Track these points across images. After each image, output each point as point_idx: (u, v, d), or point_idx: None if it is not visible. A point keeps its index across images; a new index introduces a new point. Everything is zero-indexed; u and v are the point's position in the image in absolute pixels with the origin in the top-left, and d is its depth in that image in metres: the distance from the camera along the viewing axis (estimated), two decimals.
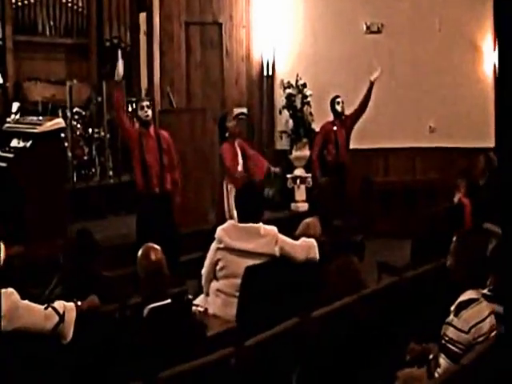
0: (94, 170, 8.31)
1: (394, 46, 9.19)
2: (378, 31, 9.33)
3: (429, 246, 5.40)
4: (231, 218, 6.48)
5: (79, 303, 3.42)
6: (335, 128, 7.61)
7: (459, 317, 3.14)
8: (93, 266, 3.93)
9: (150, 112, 5.97)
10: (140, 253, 3.04)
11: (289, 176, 8.86)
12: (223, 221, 6.52)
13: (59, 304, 3.32)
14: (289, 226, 5.18)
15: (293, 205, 8.85)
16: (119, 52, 6.18)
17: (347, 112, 7.72)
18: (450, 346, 3.13)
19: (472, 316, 3.15)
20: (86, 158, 8.25)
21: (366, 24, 9.30)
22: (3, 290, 3.09)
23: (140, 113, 5.96)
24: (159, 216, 5.94)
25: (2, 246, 3.57)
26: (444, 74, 9.09)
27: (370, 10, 9.24)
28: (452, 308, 3.24)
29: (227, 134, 6.75)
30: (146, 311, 2.95)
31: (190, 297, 4.01)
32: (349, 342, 3.47)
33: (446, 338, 3.15)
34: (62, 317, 3.27)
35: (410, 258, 5.55)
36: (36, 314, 3.22)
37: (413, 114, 9.14)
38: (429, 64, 9.12)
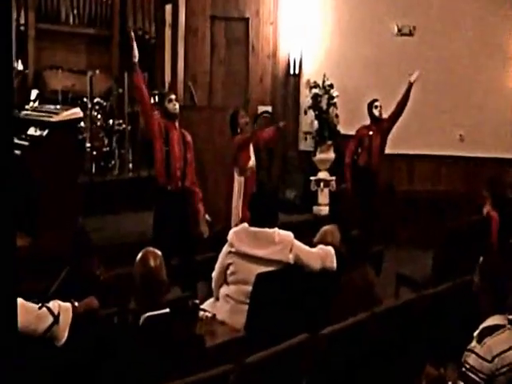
0: (113, 163, 8.14)
1: (425, 50, 8.90)
2: (410, 34, 9.04)
3: (452, 260, 5.15)
4: (238, 215, 6.29)
5: (76, 304, 3.23)
6: (371, 133, 7.30)
7: (482, 344, 2.89)
8: (89, 266, 3.73)
9: (177, 105, 5.83)
10: (138, 257, 2.80)
11: (312, 178, 8.63)
12: (229, 217, 6.32)
13: (54, 304, 3.12)
14: (311, 230, 4.98)
15: (315, 208, 8.60)
16: (132, 34, 5.92)
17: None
18: (471, 375, 2.88)
19: (496, 344, 2.89)
20: (105, 149, 8.08)
21: (397, 26, 9.01)
22: None
23: (169, 106, 5.75)
24: (177, 212, 5.74)
25: None
26: (476, 81, 8.81)
27: (402, 12, 8.94)
28: (475, 333, 2.99)
29: (239, 130, 6.54)
30: (142, 320, 2.73)
31: (197, 301, 3.81)
32: (360, 362, 3.23)
33: (467, 366, 2.90)
34: (56, 318, 3.08)
35: (431, 271, 5.27)
36: (29, 314, 3.03)
37: (442, 120, 8.85)
38: (461, 70, 8.84)
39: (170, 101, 5.80)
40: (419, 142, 8.81)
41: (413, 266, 6.01)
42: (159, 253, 2.86)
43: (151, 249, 2.87)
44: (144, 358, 2.62)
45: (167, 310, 2.76)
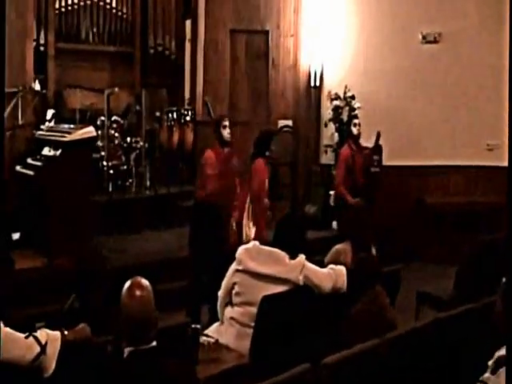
0: (130, 181, 8.06)
1: (452, 58, 8.62)
2: (435, 41, 8.78)
3: (476, 277, 4.87)
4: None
5: (66, 332, 3.08)
6: (352, 152, 6.95)
7: (497, 375, 2.64)
8: (95, 292, 3.56)
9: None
10: (124, 288, 2.62)
11: (332, 193, 8.38)
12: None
13: (42, 333, 2.98)
14: (330, 246, 4.79)
15: (335, 223, 8.34)
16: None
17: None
18: None
19: None
20: (123, 168, 8.00)
21: (421, 33, 8.76)
22: None
23: (224, 132, 5.73)
24: (213, 226, 5.64)
25: None
26: (505, 88, 8.43)
27: (426, 18, 8.66)
28: (490, 362, 2.73)
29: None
30: (126, 352, 2.55)
31: (198, 326, 3.63)
32: None
33: None
34: (43, 348, 2.94)
35: (453, 289, 5.01)
36: (15, 343, 2.90)
37: (473, 130, 8.53)
38: (489, 78, 8.51)
39: (225, 127, 5.71)
40: (451, 153, 8.50)
41: (439, 283, 5.75)
42: (147, 283, 2.66)
43: (139, 279, 2.67)
44: None
45: (154, 343, 2.57)
